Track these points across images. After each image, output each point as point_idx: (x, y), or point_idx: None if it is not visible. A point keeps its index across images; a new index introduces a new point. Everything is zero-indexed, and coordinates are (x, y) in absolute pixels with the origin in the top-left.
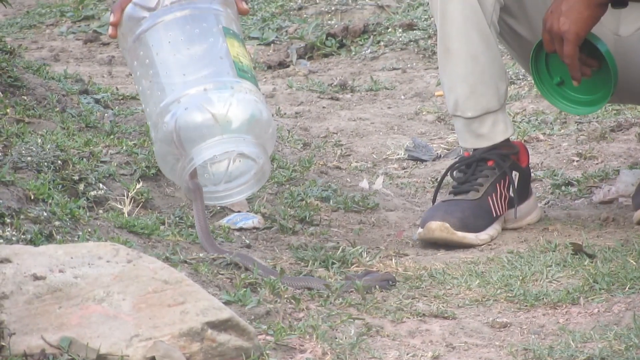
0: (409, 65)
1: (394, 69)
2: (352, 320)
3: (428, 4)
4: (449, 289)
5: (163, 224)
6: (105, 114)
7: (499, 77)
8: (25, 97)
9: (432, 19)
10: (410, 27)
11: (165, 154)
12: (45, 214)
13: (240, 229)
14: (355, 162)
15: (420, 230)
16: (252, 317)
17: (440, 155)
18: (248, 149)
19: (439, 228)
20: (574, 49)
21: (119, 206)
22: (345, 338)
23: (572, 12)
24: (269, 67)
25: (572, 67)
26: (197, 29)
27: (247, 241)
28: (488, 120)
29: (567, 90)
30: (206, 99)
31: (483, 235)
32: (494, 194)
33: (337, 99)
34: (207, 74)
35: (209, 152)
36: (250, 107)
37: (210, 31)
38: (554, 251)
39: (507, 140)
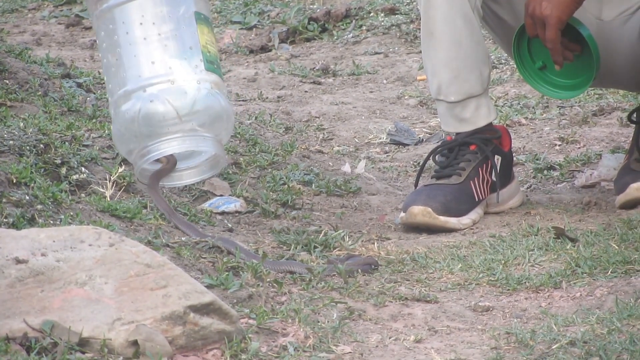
0: (391, 50)
1: (376, 53)
2: (334, 304)
3: None
4: (431, 272)
5: (145, 207)
6: (88, 98)
7: (482, 62)
8: (7, 81)
9: (414, 3)
10: (392, 11)
11: (123, 136)
12: (27, 197)
13: (223, 213)
14: (338, 146)
15: (402, 214)
16: (235, 300)
17: (423, 140)
18: (206, 148)
19: (421, 212)
20: (556, 33)
21: (101, 190)
22: (328, 322)
23: None
24: (251, 52)
25: (554, 51)
26: (170, 13)
27: (230, 225)
28: (471, 104)
29: (549, 74)
30: (171, 93)
31: (465, 220)
32: (476, 178)
33: (319, 83)
34: (175, 65)
35: (167, 149)
36: (214, 104)
37: (182, 17)
38: (536, 235)
39: (490, 124)
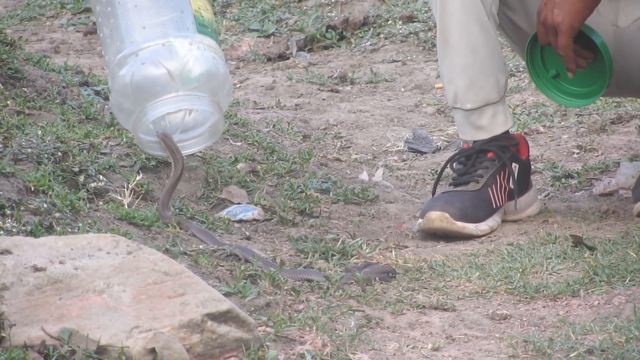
0: (408, 58)
1: (394, 61)
2: (352, 312)
3: None
4: (449, 281)
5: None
6: (106, 106)
7: (499, 69)
8: (25, 89)
9: (432, 11)
10: (410, 19)
11: (121, 104)
12: (45, 205)
13: (240, 221)
14: (355, 154)
15: (420, 220)
16: (252, 308)
17: (440, 147)
18: (202, 107)
19: (438, 218)
20: (568, 40)
21: (119, 198)
22: (345, 330)
23: (565, 3)
24: (269, 59)
25: (566, 59)
26: None
27: (247, 233)
28: (487, 112)
29: (562, 82)
30: (163, 55)
31: (483, 226)
32: (493, 186)
33: (337, 91)
34: (167, 28)
35: (163, 109)
36: (207, 64)
37: None
38: (554, 243)
39: (507, 132)
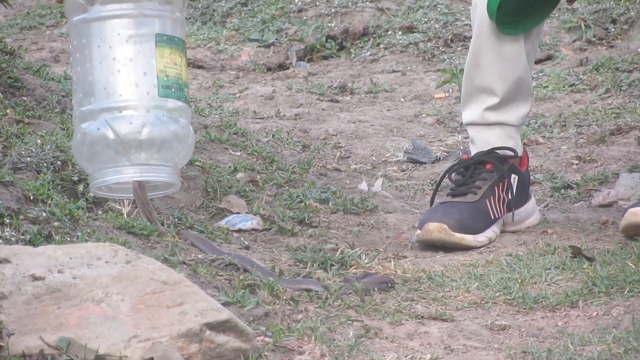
0: (408, 68)
1: (394, 71)
2: (350, 322)
3: (434, 7)
4: (448, 291)
5: (162, 224)
6: None
7: (523, 98)
8: (25, 98)
9: (432, 21)
10: (410, 29)
11: (78, 151)
12: (44, 214)
13: (239, 230)
14: (355, 164)
15: (418, 231)
16: (251, 318)
17: (440, 158)
18: (153, 177)
19: (436, 229)
20: None
21: (118, 207)
22: (344, 340)
23: None
24: (269, 69)
25: None
26: (129, 36)
27: (246, 242)
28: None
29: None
30: (117, 122)
31: (481, 238)
32: (492, 197)
33: (337, 101)
34: (125, 92)
35: (113, 178)
36: (163, 132)
37: (141, 41)
38: (553, 254)
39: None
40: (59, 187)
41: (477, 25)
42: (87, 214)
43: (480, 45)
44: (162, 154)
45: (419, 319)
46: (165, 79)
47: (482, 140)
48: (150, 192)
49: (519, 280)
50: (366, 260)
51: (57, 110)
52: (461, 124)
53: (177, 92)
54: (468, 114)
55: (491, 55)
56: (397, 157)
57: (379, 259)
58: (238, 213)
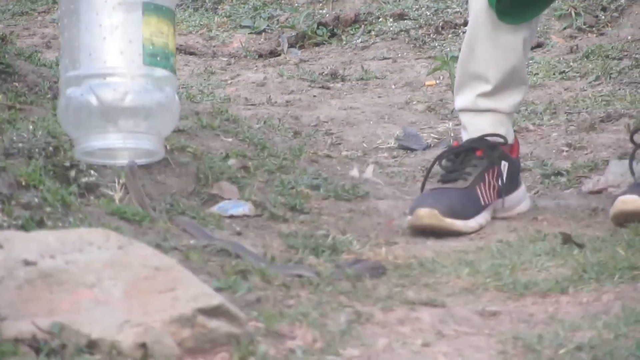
0: (399, 55)
1: (385, 58)
2: (342, 307)
3: None
4: (439, 277)
5: (154, 210)
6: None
7: (516, 87)
8: (16, 84)
9: (423, 8)
10: (401, 16)
11: (63, 117)
12: (36, 200)
13: (231, 217)
14: (346, 150)
15: (409, 217)
16: (243, 304)
17: (431, 145)
18: (133, 144)
19: (427, 215)
20: None
21: (110, 193)
22: (335, 325)
23: None
24: (260, 56)
25: None
26: (117, 3)
27: (238, 229)
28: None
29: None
30: (102, 88)
31: (472, 223)
32: (482, 183)
33: (328, 88)
34: (110, 59)
35: (96, 144)
36: (146, 100)
37: (128, 8)
38: (543, 241)
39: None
40: (51, 173)
41: (474, 13)
42: (79, 200)
43: (476, 34)
44: (146, 122)
45: (410, 304)
46: (151, 47)
47: (473, 126)
48: (133, 158)
49: (510, 267)
50: (357, 247)
51: (49, 96)
52: (452, 110)
53: (163, 61)
54: (461, 100)
55: (487, 43)
56: (388, 144)
57: (370, 245)
58: (230, 199)
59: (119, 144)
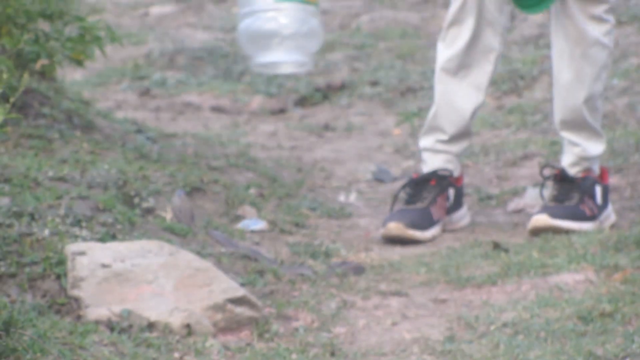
0: (374, 112)
1: (364, 114)
2: (332, 297)
3: (392, 67)
4: (404, 274)
5: (195, 227)
6: (154, 147)
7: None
8: (96, 136)
9: (390, 77)
10: (375, 83)
11: (242, 38)
12: (110, 219)
13: (252, 231)
14: (335, 182)
15: (381, 229)
16: (260, 295)
17: (397, 178)
18: (294, 58)
19: (395, 227)
20: None
21: (163, 214)
22: (328, 310)
23: None
24: (272, 113)
25: None
26: None
27: (256, 240)
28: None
29: None
30: (272, 18)
31: (427, 234)
32: (435, 204)
33: (322, 136)
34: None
35: (267, 58)
36: (304, 26)
37: None
38: (479, 247)
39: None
40: (121, 200)
41: (437, 81)
42: (141, 219)
43: (439, 99)
44: (300, 43)
45: (382, 294)
46: None
47: (430, 162)
48: (290, 69)
49: (455, 266)
50: (344, 252)
51: (120, 144)
52: (414, 152)
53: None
54: (424, 142)
55: (447, 106)
56: (366, 177)
57: (353, 251)
58: (250, 218)
59: (283, 58)
